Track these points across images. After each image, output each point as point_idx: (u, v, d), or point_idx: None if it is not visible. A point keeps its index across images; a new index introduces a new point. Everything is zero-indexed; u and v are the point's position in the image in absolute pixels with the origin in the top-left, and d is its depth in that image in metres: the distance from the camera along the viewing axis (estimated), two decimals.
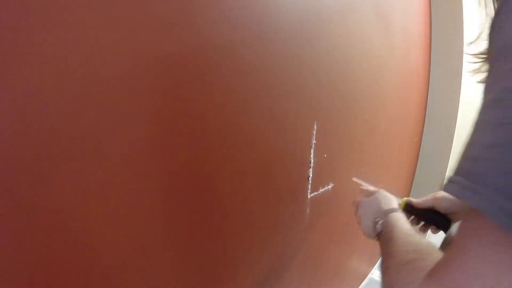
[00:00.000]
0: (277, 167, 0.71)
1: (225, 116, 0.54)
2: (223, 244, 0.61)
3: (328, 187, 0.95)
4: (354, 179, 0.95)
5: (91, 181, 0.36)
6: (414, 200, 0.72)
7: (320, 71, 0.78)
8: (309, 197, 0.86)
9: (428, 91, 2.02)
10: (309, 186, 0.84)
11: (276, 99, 0.66)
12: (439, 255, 0.33)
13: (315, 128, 0.79)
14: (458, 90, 1.86)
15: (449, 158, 2.01)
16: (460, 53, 1.80)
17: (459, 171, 0.27)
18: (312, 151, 0.80)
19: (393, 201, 0.67)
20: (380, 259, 0.46)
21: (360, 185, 0.85)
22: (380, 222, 0.59)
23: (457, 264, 0.26)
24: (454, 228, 0.53)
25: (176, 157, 0.47)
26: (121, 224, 0.41)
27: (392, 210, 0.60)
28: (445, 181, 0.28)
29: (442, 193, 0.68)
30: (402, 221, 0.55)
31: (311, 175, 0.83)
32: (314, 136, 0.80)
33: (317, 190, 0.89)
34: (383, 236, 0.54)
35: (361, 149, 1.15)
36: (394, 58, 1.30)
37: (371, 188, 0.77)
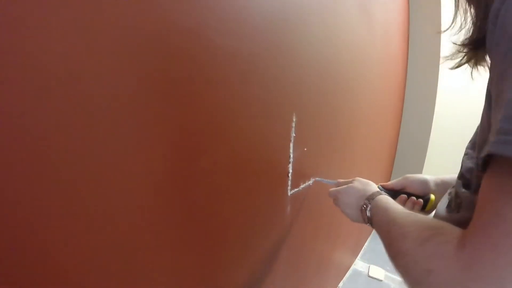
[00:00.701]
0: (254, 163, 0.65)
1: (193, 106, 0.47)
2: (201, 246, 0.54)
3: (309, 182, 0.90)
4: (316, 179, 0.92)
5: (84, 180, 0.34)
6: (385, 184, 0.72)
7: (300, 60, 0.72)
8: (289, 194, 0.81)
9: (406, 80, 2.02)
10: (289, 183, 0.79)
11: (252, 88, 0.59)
12: (454, 228, 0.32)
13: (294, 120, 0.73)
14: (436, 79, 1.87)
15: (427, 146, 2.03)
16: (437, 44, 1.80)
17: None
18: (291, 145, 0.75)
19: (372, 185, 0.64)
20: (383, 245, 0.43)
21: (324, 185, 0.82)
22: (369, 207, 0.56)
23: (497, 228, 0.26)
24: (442, 205, 0.50)
25: (142, 154, 0.40)
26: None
27: (376, 193, 0.58)
28: (494, 143, 0.27)
29: (412, 175, 0.68)
30: (391, 201, 0.52)
31: (291, 171, 0.78)
32: (293, 129, 0.74)
33: (297, 186, 0.84)
34: (377, 221, 0.52)
35: (343, 142, 1.11)
36: (375, 50, 1.27)
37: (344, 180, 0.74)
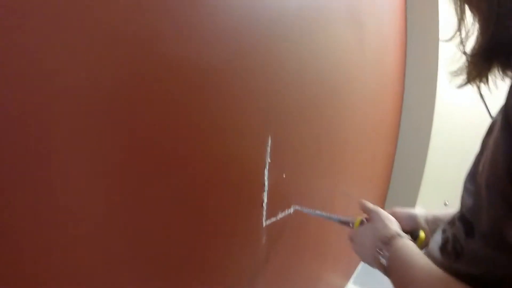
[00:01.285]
0: (219, 193, 0.56)
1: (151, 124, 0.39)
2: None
3: (289, 210, 0.81)
4: (296, 208, 0.83)
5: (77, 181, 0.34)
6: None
7: (277, 74, 0.65)
8: (264, 224, 0.72)
9: (403, 97, 1.96)
10: (264, 213, 0.70)
11: (218, 106, 0.51)
12: None
13: (269, 144, 0.65)
14: (433, 95, 1.80)
15: (424, 167, 1.95)
16: (436, 57, 1.75)
17: None
18: (266, 171, 0.67)
19: (393, 224, 0.55)
20: None
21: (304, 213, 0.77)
22: (385, 255, 0.48)
23: None
24: (434, 244, 0.45)
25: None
26: None
27: (395, 236, 0.49)
28: None
29: (400, 209, 0.62)
30: (414, 250, 0.45)
31: (265, 200, 0.69)
32: (268, 154, 0.66)
33: (275, 215, 0.75)
34: (394, 271, 0.45)
35: (329, 165, 1.03)
36: (368, 63, 1.21)
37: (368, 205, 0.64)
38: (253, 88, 0.59)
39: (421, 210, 0.62)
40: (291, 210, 0.82)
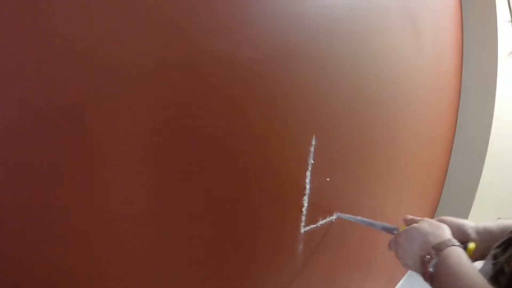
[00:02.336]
0: (255, 195, 0.52)
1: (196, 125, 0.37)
2: None
3: (331, 218, 0.75)
4: (338, 214, 0.76)
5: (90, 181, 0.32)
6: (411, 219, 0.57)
7: (327, 73, 0.59)
8: (303, 230, 0.66)
9: (459, 102, 1.75)
10: (303, 218, 0.65)
11: (257, 101, 0.47)
12: None
13: (313, 143, 0.60)
14: (492, 106, 1.59)
15: (478, 182, 1.73)
16: (494, 64, 1.53)
17: None
18: (308, 173, 0.61)
19: (445, 230, 0.49)
20: None
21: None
22: (433, 262, 0.43)
23: None
24: (483, 272, 0.40)
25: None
26: None
27: (447, 243, 0.44)
28: None
29: (448, 218, 0.55)
30: (465, 260, 0.40)
31: (306, 204, 0.63)
32: (312, 155, 0.60)
33: (315, 222, 0.69)
34: (441, 281, 0.41)
35: (378, 171, 0.93)
36: (424, 64, 1.08)
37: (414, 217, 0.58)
38: (298, 83, 0.53)
39: (471, 222, 0.54)
40: (334, 217, 0.75)
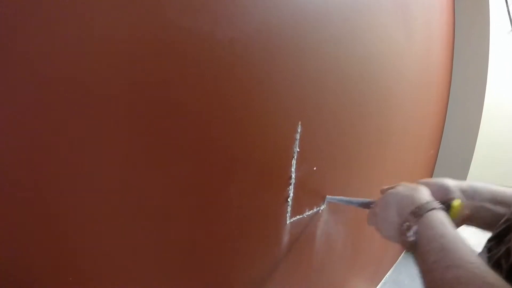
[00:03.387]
0: (237, 183, 0.49)
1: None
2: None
3: (319, 208, 0.73)
4: (328, 197, 0.73)
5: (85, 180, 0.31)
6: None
7: (314, 57, 0.56)
8: (288, 221, 0.64)
9: (449, 94, 1.75)
10: (289, 209, 0.62)
11: (238, 86, 0.44)
12: None
13: (299, 131, 0.57)
14: (482, 94, 1.59)
15: (467, 172, 1.75)
16: (486, 53, 1.53)
17: None
18: (294, 162, 0.58)
19: (422, 192, 0.45)
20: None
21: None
22: (413, 229, 0.39)
23: None
24: (482, 257, 0.38)
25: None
26: None
27: (426, 207, 0.40)
28: None
29: (429, 179, 0.52)
30: (447, 224, 0.37)
31: (291, 194, 0.61)
32: (297, 142, 0.57)
33: (301, 212, 0.67)
34: (424, 250, 0.36)
35: (367, 159, 0.92)
36: (413, 55, 1.06)
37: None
38: (281, 68, 0.50)
39: (454, 180, 0.50)
40: (321, 208, 0.73)
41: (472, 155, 1.66)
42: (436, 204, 0.41)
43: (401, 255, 1.93)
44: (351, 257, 1.15)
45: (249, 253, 0.57)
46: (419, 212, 0.40)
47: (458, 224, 0.47)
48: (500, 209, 0.44)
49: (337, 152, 0.73)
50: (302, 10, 0.51)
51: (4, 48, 0.24)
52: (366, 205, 0.59)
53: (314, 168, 0.65)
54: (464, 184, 0.49)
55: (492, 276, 0.28)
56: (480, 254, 0.39)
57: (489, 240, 0.39)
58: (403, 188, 0.47)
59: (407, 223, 0.40)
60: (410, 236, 0.39)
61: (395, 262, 2.04)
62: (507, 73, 1.73)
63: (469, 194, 0.47)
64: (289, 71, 0.52)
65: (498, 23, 1.53)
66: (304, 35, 0.53)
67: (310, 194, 0.68)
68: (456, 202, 0.45)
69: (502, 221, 0.39)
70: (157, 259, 0.41)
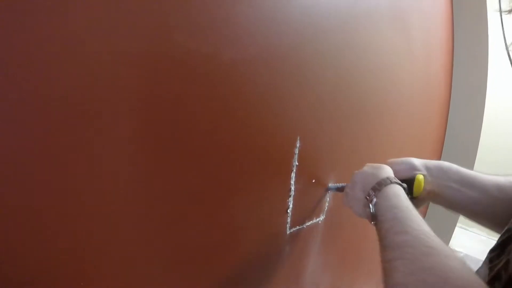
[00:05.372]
0: (238, 195, 0.52)
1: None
2: None
3: (318, 219, 0.75)
4: (330, 185, 0.74)
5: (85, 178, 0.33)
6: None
7: (311, 70, 0.59)
8: (288, 232, 0.66)
9: (450, 97, 1.76)
10: (289, 220, 0.65)
11: (240, 102, 0.47)
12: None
13: (297, 145, 0.60)
14: (483, 100, 1.60)
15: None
16: (485, 56, 1.54)
17: None
18: (293, 175, 0.61)
19: (384, 169, 0.50)
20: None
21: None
22: (374, 201, 0.44)
23: None
24: (484, 268, 0.38)
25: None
26: None
27: (385, 182, 0.45)
28: None
29: (394, 159, 0.56)
30: (402, 196, 0.42)
31: (291, 206, 0.63)
32: (296, 156, 0.60)
33: (301, 223, 0.69)
34: (381, 219, 0.40)
35: None
36: (413, 65, 1.09)
37: None
38: (281, 85, 0.53)
39: (421, 159, 0.54)
40: (320, 218, 0.76)
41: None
42: (394, 179, 0.45)
43: None
44: (354, 268, 1.16)
45: (249, 262, 0.60)
46: (378, 187, 0.44)
47: (423, 199, 0.51)
48: (469, 192, 0.47)
49: (336, 166, 0.76)
50: (300, 27, 0.54)
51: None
52: (341, 189, 0.64)
53: (313, 181, 0.68)
54: (431, 162, 0.52)
55: (434, 239, 0.31)
56: (482, 265, 0.40)
57: (491, 251, 0.41)
58: (368, 167, 0.52)
59: (368, 197, 0.45)
60: (371, 208, 0.43)
61: None
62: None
63: (434, 173, 0.51)
64: (289, 88, 0.55)
65: (497, 30, 1.54)
66: (303, 52, 0.56)
67: (309, 205, 0.70)
68: (419, 176, 0.49)
69: (504, 230, 0.41)
70: (154, 266, 0.44)
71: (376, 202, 0.43)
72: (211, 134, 0.45)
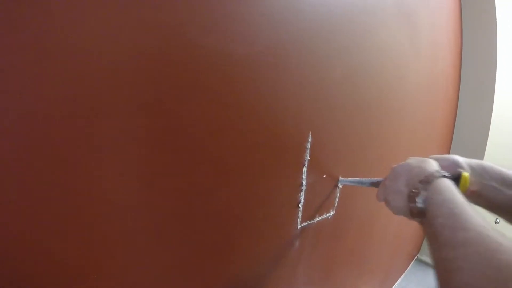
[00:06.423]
0: (253, 192, 0.53)
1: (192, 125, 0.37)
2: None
3: (328, 214, 0.76)
4: (340, 179, 0.73)
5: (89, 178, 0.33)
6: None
7: (323, 68, 0.60)
8: (299, 226, 0.67)
9: (458, 96, 1.76)
10: (300, 214, 0.66)
11: (252, 97, 0.48)
12: None
13: (309, 140, 0.60)
14: (491, 103, 1.59)
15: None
16: (494, 57, 1.53)
17: None
18: (305, 169, 0.62)
19: (431, 163, 0.46)
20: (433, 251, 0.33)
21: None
22: (423, 195, 0.39)
23: None
24: None
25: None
26: None
27: (435, 175, 0.40)
28: None
29: (438, 155, 0.52)
30: (456, 191, 0.37)
31: (302, 200, 0.64)
32: (308, 151, 0.61)
33: (311, 218, 0.70)
34: (433, 214, 0.36)
35: (375, 167, 0.94)
36: (419, 63, 1.09)
37: None
38: (293, 80, 0.54)
39: (463, 158, 0.51)
40: (330, 214, 0.76)
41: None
42: (445, 173, 0.42)
43: (411, 263, 1.92)
44: (360, 264, 1.17)
45: (260, 256, 0.61)
46: (428, 180, 0.40)
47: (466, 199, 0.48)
48: (509, 192, 0.44)
49: (347, 161, 0.76)
50: (309, 24, 0.55)
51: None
52: (376, 184, 0.60)
53: (324, 176, 0.68)
54: (473, 161, 0.49)
55: (499, 235, 0.29)
56: None
57: None
58: (413, 160, 0.48)
59: (415, 190, 0.41)
60: (419, 203, 0.39)
61: (404, 271, 2.03)
62: None
63: (478, 172, 0.47)
64: (299, 83, 0.56)
65: (506, 31, 1.53)
66: (312, 50, 0.57)
67: (320, 200, 0.71)
68: (466, 174, 0.46)
69: None
70: (166, 262, 0.45)
71: (426, 196, 0.39)
72: (225, 131, 0.45)
